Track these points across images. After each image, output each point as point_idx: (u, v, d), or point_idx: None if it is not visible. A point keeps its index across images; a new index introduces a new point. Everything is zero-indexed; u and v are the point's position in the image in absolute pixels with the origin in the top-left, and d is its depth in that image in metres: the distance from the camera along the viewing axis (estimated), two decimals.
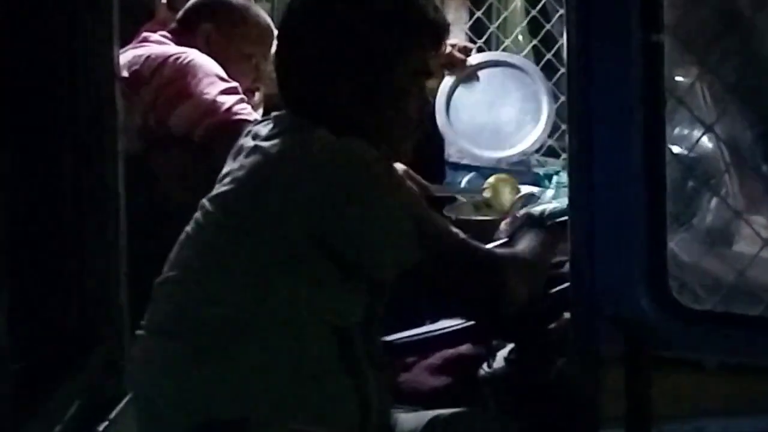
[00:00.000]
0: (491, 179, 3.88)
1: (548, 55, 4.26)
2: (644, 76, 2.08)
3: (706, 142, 2.25)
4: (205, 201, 2.33)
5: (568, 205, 2.17)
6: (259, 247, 2.21)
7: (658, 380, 2.10)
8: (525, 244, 2.50)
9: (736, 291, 2.16)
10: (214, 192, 2.33)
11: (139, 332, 2.35)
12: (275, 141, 2.30)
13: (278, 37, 2.46)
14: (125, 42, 3.38)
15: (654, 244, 2.09)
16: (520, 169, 4.38)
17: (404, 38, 2.34)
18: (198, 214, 2.34)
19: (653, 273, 2.10)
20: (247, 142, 2.37)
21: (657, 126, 2.10)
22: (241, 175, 2.29)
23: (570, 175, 2.15)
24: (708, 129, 2.18)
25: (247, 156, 2.32)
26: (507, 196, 3.81)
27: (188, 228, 2.35)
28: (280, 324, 2.20)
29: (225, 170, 2.38)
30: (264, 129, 2.37)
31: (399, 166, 2.94)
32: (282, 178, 2.23)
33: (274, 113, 2.44)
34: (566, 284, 2.26)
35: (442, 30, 2.43)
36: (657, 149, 2.08)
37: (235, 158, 2.37)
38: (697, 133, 2.23)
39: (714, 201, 2.32)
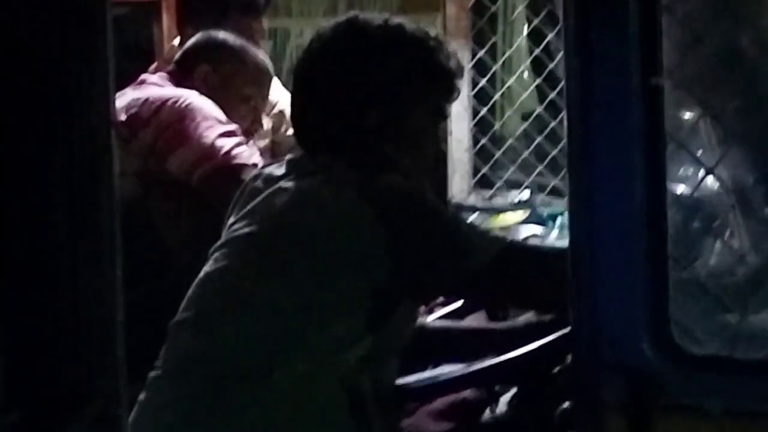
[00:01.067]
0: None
1: (551, 95, 4.29)
2: (644, 119, 2.08)
3: (711, 182, 2.25)
4: (221, 243, 2.37)
5: (568, 248, 2.17)
6: (280, 290, 2.27)
7: (662, 427, 2.09)
8: None
9: (741, 335, 2.16)
10: (233, 235, 2.37)
11: (152, 374, 2.38)
12: (296, 182, 2.33)
13: (296, 79, 2.50)
14: (123, 83, 3.40)
15: (656, 289, 2.08)
16: (525, 209, 4.41)
17: (424, 84, 2.45)
18: (217, 255, 2.37)
19: (655, 319, 2.09)
20: (259, 185, 2.39)
21: (657, 169, 2.09)
22: (259, 218, 2.32)
23: (570, 219, 2.15)
24: (709, 171, 2.18)
25: (265, 198, 2.34)
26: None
27: (205, 268, 2.38)
28: (293, 374, 2.25)
29: (237, 214, 2.41)
30: (278, 170, 2.40)
31: None
32: (306, 218, 2.29)
33: (286, 157, 2.48)
34: (568, 329, 2.27)
35: (456, 74, 2.52)
36: (658, 193, 2.07)
37: (246, 201, 2.40)
38: (700, 173, 2.24)
39: (718, 242, 2.31)
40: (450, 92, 2.53)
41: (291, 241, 2.28)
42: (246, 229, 2.33)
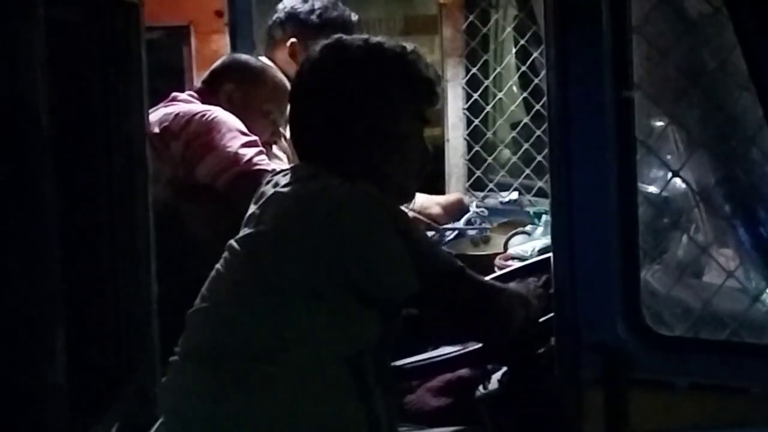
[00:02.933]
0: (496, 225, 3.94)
1: (537, 106, 4.27)
2: (617, 128, 2.09)
3: (678, 182, 2.25)
4: (233, 242, 2.34)
5: (551, 246, 2.17)
6: (283, 283, 2.22)
7: (634, 400, 2.10)
8: (516, 287, 2.52)
9: (704, 318, 2.16)
10: (241, 234, 2.34)
11: (173, 358, 2.35)
12: (294, 187, 2.32)
13: (293, 93, 2.47)
14: (156, 100, 3.40)
15: (628, 278, 2.09)
16: (514, 208, 4.40)
17: (404, 93, 2.37)
18: (227, 254, 2.34)
19: (628, 304, 2.10)
20: (269, 189, 2.38)
21: (629, 172, 2.10)
22: (265, 219, 2.30)
23: (552, 217, 2.16)
24: (675, 174, 2.18)
25: (269, 202, 2.33)
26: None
27: (218, 265, 2.35)
28: (300, 353, 2.20)
29: (249, 213, 2.39)
30: (284, 179, 2.38)
31: (411, 213, 2.94)
32: (302, 221, 2.24)
33: (291, 165, 2.46)
34: (552, 314, 2.27)
35: (433, 83, 2.45)
36: (630, 192, 2.09)
37: (257, 203, 2.38)
38: (669, 175, 2.24)
39: (684, 236, 2.31)
40: (430, 98, 2.44)
41: (287, 239, 2.24)
42: (252, 230, 2.31)
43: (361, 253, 2.22)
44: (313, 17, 3.97)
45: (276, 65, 3.86)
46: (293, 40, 3.95)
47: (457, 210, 4.13)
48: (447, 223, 4.14)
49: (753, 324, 2.14)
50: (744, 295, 2.18)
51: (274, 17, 4.06)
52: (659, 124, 2.19)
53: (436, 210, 4.04)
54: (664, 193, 2.22)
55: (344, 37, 2.45)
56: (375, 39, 2.40)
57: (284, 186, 2.34)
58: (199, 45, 4.54)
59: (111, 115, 2.37)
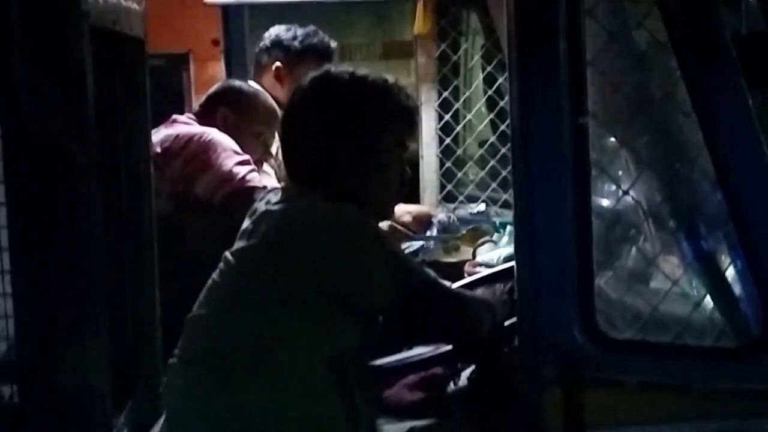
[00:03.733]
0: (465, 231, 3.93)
1: (502, 126, 4.28)
2: (573, 151, 2.09)
3: (629, 198, 2.25)
4: (228, 254, 2.33)
5: (514, 255, 2.18)
6: (272, 293, 2.21)
7: (589, 397, 2.11)
8: (482, 293, 2.53)
9: (651, 322, 2.16)
10: (236, 247, 2.33)
11: (171, 360, 2.34)
12: (283, 205, 2.31)
13: (284, 119, 2.45)
14: (158, 121, 3.39)
15: (584, 286, 2.10)
16: (482, 219, 4.40)
17: (384, 119, 2.35)
18: (222, 264, 2.33)
19: (584, 310, 2.10)
20: (261, 206, 2.37)
21: (584, 190, 2.10)
22: (257, 234, 2.29)
23: (516, 231, 2.16)
24: (625, 192, 2.19)
25: (261, 218, 2.32)
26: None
27: (214, 275, 2.34)
28: (287, 356, 2.20)
29: (243, 228, 2.37)
30: (275, 197, 2.38)
31: (386, 224, 2.93)
32: (290, 237, 2.23)
33: (282, 184, 2.45)
34: (515, 319, 2.27)
35: (413, 112, 2.45)
36: (584, 209, 2.09)
37: (251, 218, 2.37)
38: (620, 192, 2.24)
39: (634, 248, 2.32)
40: (409, 127, 2.43)
41: (276, 252, 2.22)
42: (246, 243, 2.30)
43: (344, 267, 2.21)
44: (296, 43, 3.98)
45: (263, 88, 3.86)
46: (278, 64, 3.96)
47: (425, 220, 4.15)
48: (417, 230, 4.16)
49: (695, 328, 2.15)
50: (687, 301, 2.18)
51: (260, 44, 4.07)
52: (612, 146, 2.19)
53: (407, 218, 4.03)
54: (616, 209, 2.23)
55: (332, 69, 2.44)
56: (360, 71, 2.39)
57: (275, 204, 2.34)
58: (197, 71, 4.54)
59: (120, 139, 2.37)
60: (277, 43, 4.01)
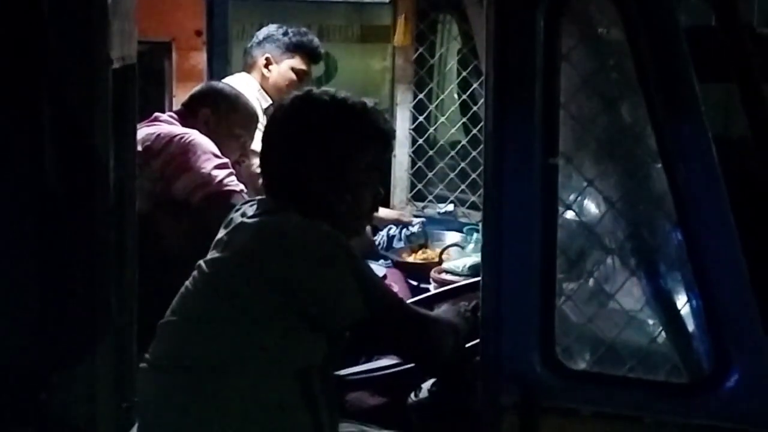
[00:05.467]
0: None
1: (474, 130, 4.31)
2: (543, 189, 2.10)
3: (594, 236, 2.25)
4: (202, 263, 2.33)
5: (480, 297, 2.18)
6: (243, 305, 2.21)
7: (545, 424, 2.12)
8: (447, 310, 2.55)
9: (607, 355, 2.16)
10: (210, 256, 2.33)
11: (142, 365, 2.34)
12: (257, 219, 2.32)
13: (265, 134, 2.45)
14: (143, 104, 3.38)
15: (545, 321, 2.12)
16: (450, 219, 4.44)
17: (361, 141, 2.37)
18: (196, 273, 2.33)
19: (543, 341, 2.12)
20: (237, 218, 2.37)
21: (552, 227, 2.11)
22: (231, 246, 2.29)
23: (483, 270, 2.16)
24: (590, 230, 2.20)
25: (236, 230, 2.33)
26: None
27: (188, 282, 2.34)
28: (255, 367, 2.21)
29: (218, 238, 2.37)
30: (250, 209, 2.38)
31: None
32: (263, 252, 2.24)
33: (258, 197, 2.45)
34: (477, 341, 2.28)
35: (389, 136, 2.47)
36: (550, 250, 2.10)
37: (226, 228, 2.37)
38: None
39: (596, 285, 2.30)
40: (385, 150, 2.46)
41: (249, 266, 2.23)
42: (220, 254, 2.30)
43: (314, 284, 2.22)
44: (286, 38, 4.18)
45: (253, 78, 4.09)
46: (268, 55, 4.16)
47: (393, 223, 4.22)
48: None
49: (647, 362, 2.16)
50: (643, 336, 2.19)
51: (253, 40, 4.24)
52: (580, 186, 2.20)
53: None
54: (581, 245, 2.22)
55: (314, 90, 2.45)
56: (341, 94, 2.40)
57: (250, 217, 2.34)
58: (180, 59, 4.53)
59: (110, 147, 2.36)
60: (269, 37, 4.21)
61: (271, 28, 4.24)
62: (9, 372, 2.06)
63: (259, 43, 4.22)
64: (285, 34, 4.20)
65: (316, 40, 4.21)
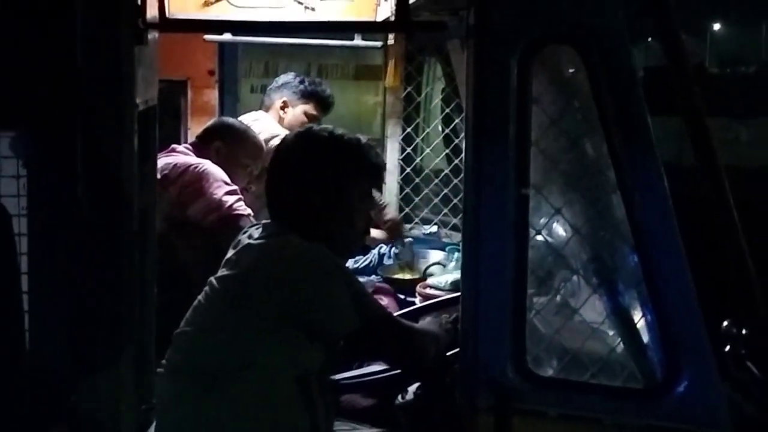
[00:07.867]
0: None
1: (456, 161, 4.33)
2: (515, 216, 2.14)
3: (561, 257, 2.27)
4: (213, 279, 2.35)
5: (460, 310, 2.21)
6: (248, 318, 2.24)
7: (517, 424, 2.15)
8: (430, 321, 2.59)
9: (572, 363, 2.19)
10: (220, 273, 2.36)
11: (159, 370, 2.37)
12: (262, 241, 2.36)
13: (271, 167, 2.48)
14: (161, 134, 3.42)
15: (517, 332, 2.15)
16: (433, 239, 4.46)
17: (355, 173, 2.41)
18: (207, 288, 2.36)
19: (515, 351, 2.15)
20: (244, 239, 2.40)
21: (523, 251, 2.14)
22: (239, 265, 2.32)
23: (462, 289, 2.19)
24: (558, 253, 2.23)
25: (244, 250, 2.36)
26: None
27: (200, 297, 2.37)
28: (258, 373, 2.23)
29: (227, 257, 2.40)
30: (256, 232, 2.41)
31: None
32: (267, 270, 2.26)
33: (264, 221, 2.48)
34: (457, 350, 2.31)
35: (380, 168, 2.52)
36: (521, 273, 2.13)
37: (235, 249, 2.40)
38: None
39: (558, 297, 2.33)
40: (376, 181, 2.49)
41: (254, 283, 2.25)
42: (228, 272, 2.34)
43: (312, 299, 2.25)
44: (303, 86, 4.24)
45: (270, 117, 4.13)
46: (285, 99, 4.21)
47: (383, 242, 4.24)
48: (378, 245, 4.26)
49: (607, 370, 2.18)
50: (603, 346, 2.22)
51: (272, 85, 4.31)
52: (549, 213, 2.23)
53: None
54: (550, 267, 2.24)
55: (314, 127, 2.50)
56: (338, 131, 2.44)
57: (256, 239, 2.37)
58: (194, 96, 4.58)
59: (135, 178, 2.39)
60: (286, 84, 4.26)
61: (288, 76, 4.29)
62: (46, 376, 2.09)
63: (278, 87, 4.26)
64: (302, 82, 4.25)
65: (328, 90, 4.28)
